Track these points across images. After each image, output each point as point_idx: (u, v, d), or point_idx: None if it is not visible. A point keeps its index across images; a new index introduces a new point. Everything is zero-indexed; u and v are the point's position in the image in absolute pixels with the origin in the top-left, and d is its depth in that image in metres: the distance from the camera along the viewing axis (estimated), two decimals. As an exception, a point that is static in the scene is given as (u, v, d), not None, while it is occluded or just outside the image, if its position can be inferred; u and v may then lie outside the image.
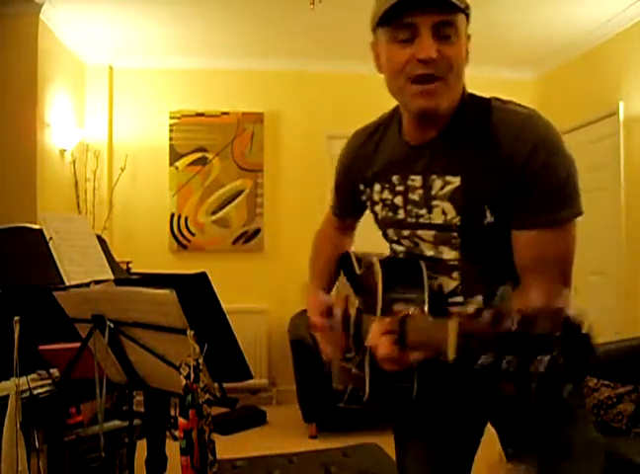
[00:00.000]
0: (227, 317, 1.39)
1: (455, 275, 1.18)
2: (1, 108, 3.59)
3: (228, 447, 3.31)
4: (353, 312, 1.25)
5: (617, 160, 3.87)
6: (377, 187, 1.26)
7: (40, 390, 1.65)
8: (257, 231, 4.70)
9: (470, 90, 1.17)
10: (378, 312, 1.10)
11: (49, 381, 1.68)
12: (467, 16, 1.10)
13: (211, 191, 4.67)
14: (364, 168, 1.29)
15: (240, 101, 4.70)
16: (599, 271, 4.04)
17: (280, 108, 4.75)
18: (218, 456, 1.16)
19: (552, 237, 1.08)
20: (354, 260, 1.37)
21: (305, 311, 1.42)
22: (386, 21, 1.08)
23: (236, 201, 4.69)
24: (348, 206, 1.43)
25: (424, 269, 1.15)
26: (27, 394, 1.55)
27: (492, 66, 4.63)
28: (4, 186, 3.54)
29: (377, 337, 0.97)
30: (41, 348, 1.61)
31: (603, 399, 2.64)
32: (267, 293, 4.64)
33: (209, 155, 4.66)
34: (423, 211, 1.17)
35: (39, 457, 1.92)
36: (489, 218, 1.11)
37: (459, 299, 1.17)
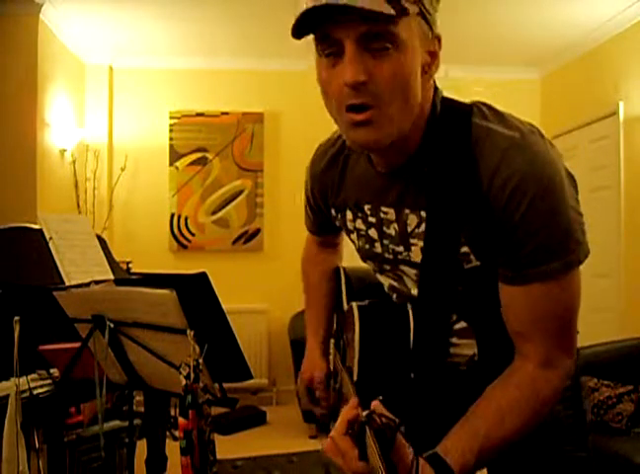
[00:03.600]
0: (227, 317, 1.39)
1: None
2: (1, 108, 3.59)
3: (228, 447, 3.31)
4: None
5: (617, 160, 3.87)
6: (349, 214, 1.08)
7: (39, 390, 1.65)
8: (257, 231, 4.70)
9: (453, 95, 0.96)
10: (355, 376, 1.00)
11: (49, 381, 1.68)
12: (422, 13, 0.82)
13: (211, 191, 4.67)
14: (333, 194, 1.11)
15: (240, 101, 4.70)
16: (599, 271, 4.04)
17: (280, 108, 4.75)
18: (218, 456, 1.16)
19: (544, 293, 0.88)
20: (343, 286, 1.28)
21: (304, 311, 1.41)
22: (302, 32, 0.83)
23: (236, 201, 4.69)
24: (323, 226, 1.27)
25: (411, 318, 1.00)
26: (27, 394, 1.55)
27: (494, 67, 4.62)
28: (4, 186, 3.54)
29: (341, 432, 0.78)
30: (41, 348, 1.61)
31: (603, 399, 2.64)
32: (267, 293, 4.64)
33: (209, 155, 4.66)
34: (400, 249, 1.01)
35: (39, 457, 1.92)
36: (474, 262, 0.93)
37: (454, 340, 1.03)
